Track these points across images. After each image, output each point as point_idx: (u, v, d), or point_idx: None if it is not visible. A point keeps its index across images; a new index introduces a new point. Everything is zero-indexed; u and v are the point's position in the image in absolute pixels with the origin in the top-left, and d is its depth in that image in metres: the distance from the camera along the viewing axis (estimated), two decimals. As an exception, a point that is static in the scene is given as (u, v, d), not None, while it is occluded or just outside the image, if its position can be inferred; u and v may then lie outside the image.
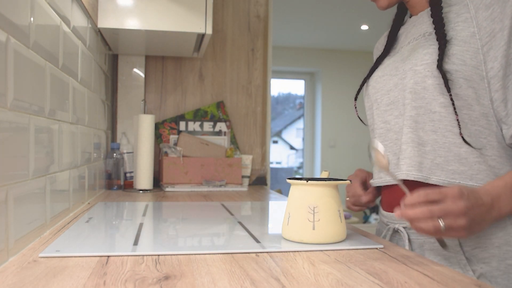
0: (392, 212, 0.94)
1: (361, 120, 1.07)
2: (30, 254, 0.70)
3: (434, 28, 0.86)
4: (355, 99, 1.07)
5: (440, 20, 0.85)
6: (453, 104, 0.81)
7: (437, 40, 0.84)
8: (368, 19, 4.28)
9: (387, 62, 0.99)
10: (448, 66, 0.82)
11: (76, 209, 1.17)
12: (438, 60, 0.82)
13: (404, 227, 0.90)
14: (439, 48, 0.83)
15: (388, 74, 0.95)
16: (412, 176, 0.84)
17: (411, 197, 0.69)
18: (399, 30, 1.03)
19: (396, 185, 0.89)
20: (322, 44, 5.25)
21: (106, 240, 0.82)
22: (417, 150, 0.85)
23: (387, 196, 0.97)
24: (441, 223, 0.67)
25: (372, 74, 1.02)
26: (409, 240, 0.88)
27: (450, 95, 0.81)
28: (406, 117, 0.87)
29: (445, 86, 0.80)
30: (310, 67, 5.49)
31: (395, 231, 0.93)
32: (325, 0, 3.73)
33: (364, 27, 4.51)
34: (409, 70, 0.88)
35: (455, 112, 0.81)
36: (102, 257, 0.69)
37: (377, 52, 1.11)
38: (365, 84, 1.04)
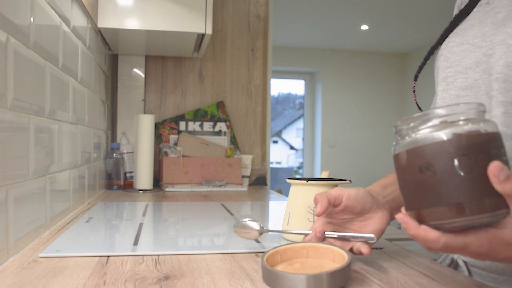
0: None
1: (420, 108, 0.76)
2: (30, 254, 0.70)
3: None
4: (415, 80, 0.74)
5: None
6: None
7: None
8: (368, 19, 4.28)
9: (472, 20, 0.67)
10: None
11: (76, 209, 1.17)
12: None
13: (464, 261, 0.68)
14: None
15: (470, 43, 0.65)
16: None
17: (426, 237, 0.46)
18: None
19: None
20: (322, 44, 5.25)
21: (106, 240, 0.82)
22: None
23: None
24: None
25: (446, 36, 0.70)
26: (469, 273, 0.69)
27: None
28: (490, 116, 0.60)
29: None
30: (310, 67, 5.49)
31: (453, 261, 0.73)
32: (325, 0, 3.73)
33: (364, 27, 4.50)
34: (499, 43, 0.59)
35: None
36: (102, 257, 0.69)
37: None
38: (437, 50, 0.72)
